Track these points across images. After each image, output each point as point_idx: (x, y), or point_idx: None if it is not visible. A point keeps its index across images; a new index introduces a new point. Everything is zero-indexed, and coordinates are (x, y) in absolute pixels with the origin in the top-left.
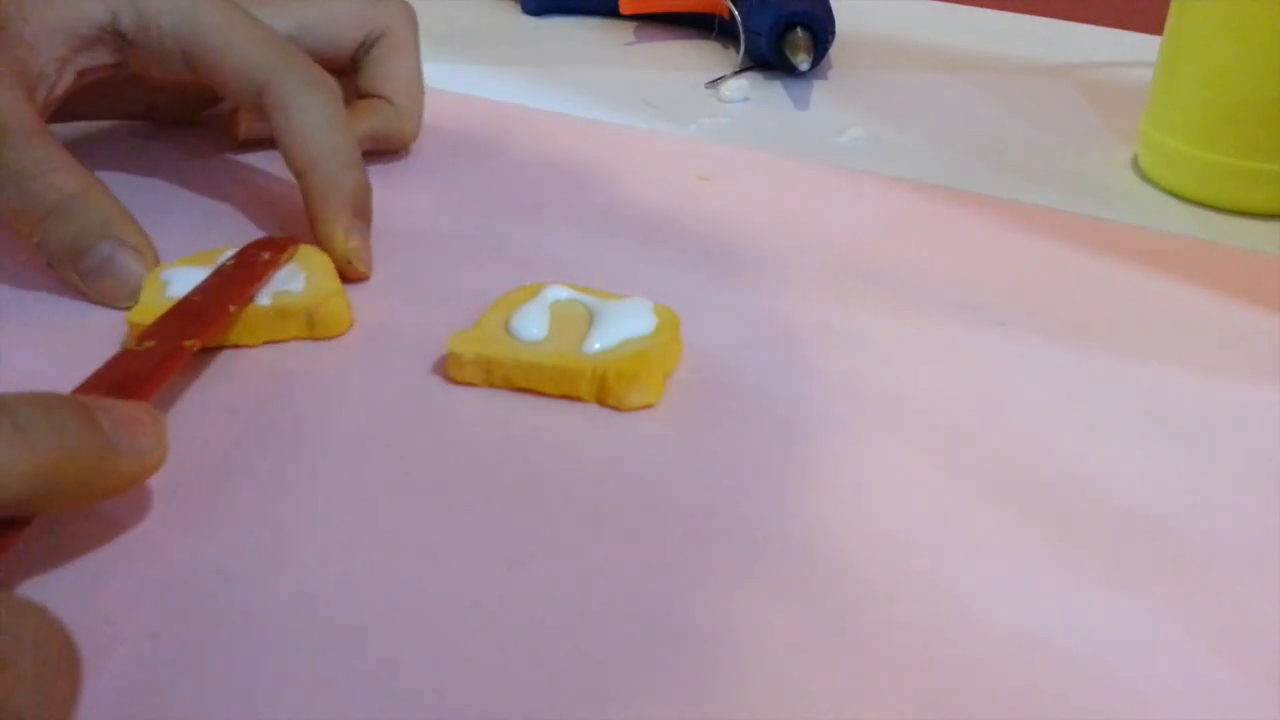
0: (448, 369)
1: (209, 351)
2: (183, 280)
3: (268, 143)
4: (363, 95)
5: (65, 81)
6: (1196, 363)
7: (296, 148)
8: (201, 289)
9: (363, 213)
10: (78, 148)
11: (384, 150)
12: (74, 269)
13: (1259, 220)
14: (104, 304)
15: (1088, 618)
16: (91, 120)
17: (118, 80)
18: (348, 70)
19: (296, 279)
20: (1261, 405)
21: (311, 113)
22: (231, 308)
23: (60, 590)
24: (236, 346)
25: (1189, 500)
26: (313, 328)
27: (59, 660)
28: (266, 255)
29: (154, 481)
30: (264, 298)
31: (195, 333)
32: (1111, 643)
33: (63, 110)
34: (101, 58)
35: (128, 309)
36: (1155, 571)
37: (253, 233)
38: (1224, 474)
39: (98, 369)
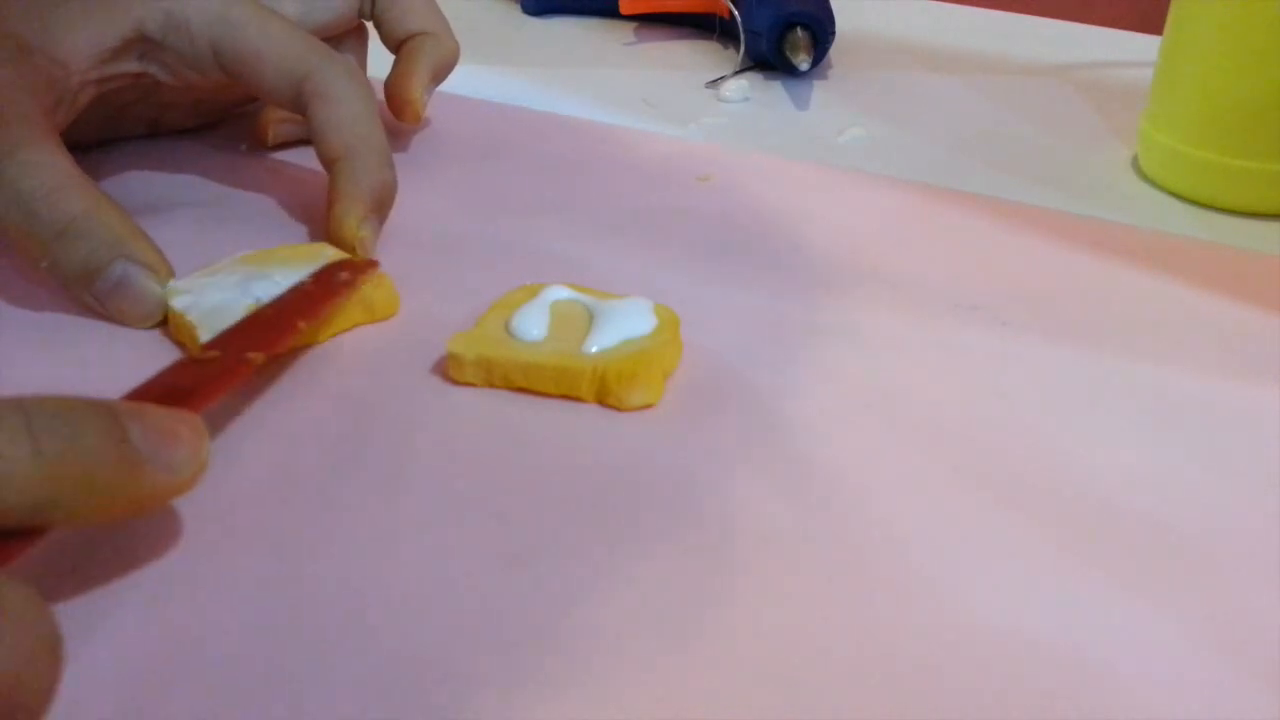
0: (447, 369)
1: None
2: (196, 294)
3: (294, 145)
4: (397, 45)
5: (87, 94)
6: (1196, 363)
7: (332, 136)
8: (274, 303)
9: (381, 208)
10: (96, 153)
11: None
12: (88, 292)
13: (1259, 220)
14: (124, 324)
15: (1087, 617)
16: (96, 143)
17: (129, 98)
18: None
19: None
20: (1261, 405)
21: (351, 103)
22: (301, 323)
23: (55, 577)
24: (305, 346)
25: (1189, 500)
26: (371, 312)
27: (46, 639)
28: (345, 275)
29: None
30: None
31: (262, 345)
32: (1111, 642)
33: (70, 132)
34: (125, 67)
35: (150, 328)
36: (1155, 571)
37: (269, 238)
38: (1224, 474)
39: (155, 374)
